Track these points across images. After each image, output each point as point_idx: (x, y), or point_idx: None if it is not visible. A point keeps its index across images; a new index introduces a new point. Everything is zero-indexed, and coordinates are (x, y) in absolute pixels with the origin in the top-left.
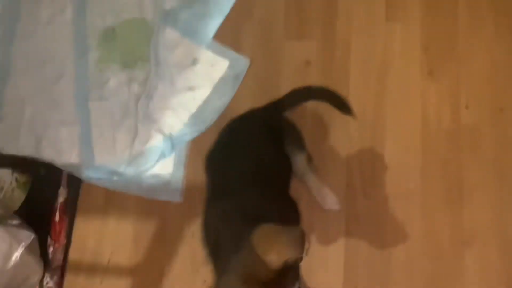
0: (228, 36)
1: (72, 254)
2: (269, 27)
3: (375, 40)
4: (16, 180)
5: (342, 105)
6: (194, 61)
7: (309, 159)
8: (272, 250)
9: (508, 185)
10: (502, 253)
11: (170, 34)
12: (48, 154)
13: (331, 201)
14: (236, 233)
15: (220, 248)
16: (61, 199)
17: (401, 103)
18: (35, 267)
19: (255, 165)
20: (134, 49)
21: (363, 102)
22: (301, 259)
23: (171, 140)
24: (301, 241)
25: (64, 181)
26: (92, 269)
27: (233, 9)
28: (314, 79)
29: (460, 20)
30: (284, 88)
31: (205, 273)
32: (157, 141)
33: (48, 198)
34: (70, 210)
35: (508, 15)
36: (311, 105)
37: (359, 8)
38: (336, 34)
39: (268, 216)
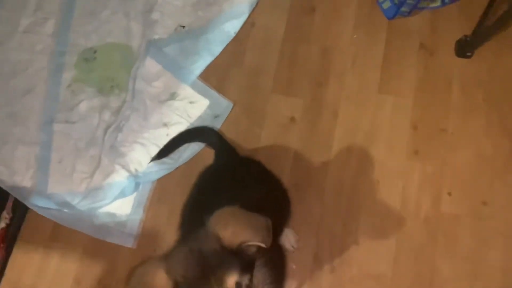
0: (214, 78)
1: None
2: (257, 77)
3: (365, 109)
4: None
5: None
6: (172, 96)
7: None
8: (228, 229)
9: (481, 282)
10: None
11: (152, 65)
12: None
13: (293, 239)
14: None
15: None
16: (2, 224)
17: (382, 179)
18: None
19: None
20: (113, 75)
21: (343, 170)
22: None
23: (135, 178)
24: (263, 229)
25: (9, 205)
26: None
27: (224, 52)
28: (296, 136)
29: (453, 105)
30: (264, 139)
31: None
32: (119, 177)
33: None
34: (10, 238)
35: (500, 112)
36: (292, 164)
37: (353, 76)
38: (325, 97)
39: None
